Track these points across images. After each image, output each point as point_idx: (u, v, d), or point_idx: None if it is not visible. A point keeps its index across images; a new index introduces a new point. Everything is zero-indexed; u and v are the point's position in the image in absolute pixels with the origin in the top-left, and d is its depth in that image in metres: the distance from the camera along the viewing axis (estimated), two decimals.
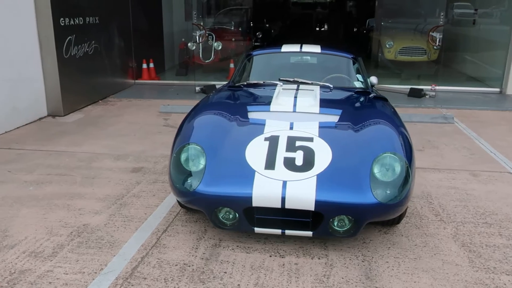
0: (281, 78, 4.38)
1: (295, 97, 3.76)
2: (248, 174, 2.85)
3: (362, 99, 4.01)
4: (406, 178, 2.88)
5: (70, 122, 6.63)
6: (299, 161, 2.92)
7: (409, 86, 8.36)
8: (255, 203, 2.77)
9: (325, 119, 3.43)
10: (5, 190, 4.07)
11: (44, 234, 3.24)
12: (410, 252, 3.10)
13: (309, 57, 4.78)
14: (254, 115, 3.59)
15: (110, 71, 8.38)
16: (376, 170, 2.90)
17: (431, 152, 5.35)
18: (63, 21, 6.78)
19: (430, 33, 8.55)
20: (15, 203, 3.77)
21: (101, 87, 8.03)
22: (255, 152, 3.01)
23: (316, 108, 3.62)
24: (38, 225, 3.39)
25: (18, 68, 6.29)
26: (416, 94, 8.14)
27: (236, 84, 4.52)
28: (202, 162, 3.00)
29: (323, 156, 2.97)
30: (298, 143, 3.08)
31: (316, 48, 4.82)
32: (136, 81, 9.41)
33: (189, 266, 2.86)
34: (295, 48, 4.85)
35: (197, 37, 8.60)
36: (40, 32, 6.60)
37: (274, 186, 2.77)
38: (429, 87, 8.16)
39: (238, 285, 2.67)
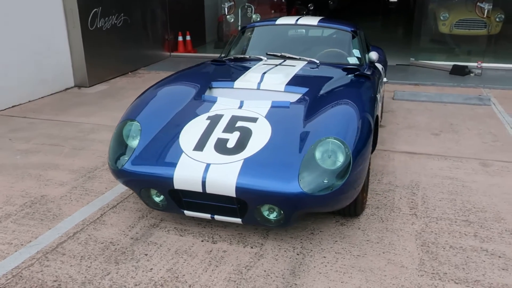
0: (268, 53, 4.15)
1: (264, 73, 3.51)
2: (175, 155, 2.71)
3: (342, 76, 3.65)
4: (346, 169, 2.57)
5: (92, 93, 6.83)
6: (231, 143, 2.72)
7: (453, 63, 7.61)
8: (177, 185, 2.63)
9: (282, 98, 3.17)
10: None
11: (0, 203, 3.35)
12: (357, 248, 2.80)
13: (304, 30, 4.45)
14: (214, 91, 3.42)
15: (141, 44, 8.48)
16: (318, 156, 2.62)
17: (446, 137, 4.84)
18: None
19: (478, 3, 7.64)
20: (16, 169, 3.93)
21: (131, 59, 8.16)
22: (191, 132, 2.85)
23: (282, 86, 3.36)
24: (0, 193, 3.51)
25: (44, 40, 6.54)
26: (459, 71, 7.39)
27: (224, 58, 4.35)
28: (138, 141, 2.89)
29: (260, 138, 2.74)
30: (239, 124, 2.87)
31: (314, 21, 4.47)
32: (172, 53, 9.47)
33: (114, 245, 2.81)
34: (290, 20, 4.54)
35: (225, 8, 8.40)
36: (66, 5, 6.79)
37: (196, 168, 2.61)
38: (475, 64, 7.36)
39: (151, 269, 2.57)
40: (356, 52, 4.25)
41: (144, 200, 2.88)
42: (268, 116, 2.94)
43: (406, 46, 9.76)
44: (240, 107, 3.06)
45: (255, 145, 2.70)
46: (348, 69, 3.87)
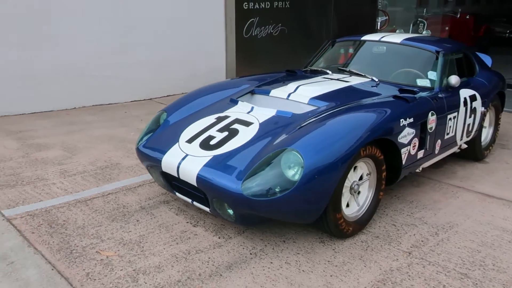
0: (339, 68, 4.27)
1: (300, 85, 3.65)
2: (171, 144, 3.15)
3: (385, 96, 3.50)
4: (292, 182, 2.62)
5: None
6: (214, 141, 3.03)
7: None
8: (163, 168, 3.09)
9: (287, 109, 3.28)
10: (118, 131, 5.43)
11: (87, 163, 4.35)
12: (310, 264, 2.77)
13: (385, 48, 4.30)
14: (254, 97, 3.74)
15: (296, 52, 9.01)
16: (283, 164, 2.73)
17: None
18: (246, 5, 7.83)
19: None
20: (121, 142, 5.02)
21: (282, 66, 8.78)
22: (195, 127, 3.26)
23: (307, 99, 3.46)
24: (94, 155, 4.53)
25: (203, 43, 7.73)
26: None
27: (303, 69, 4.59)
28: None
29: (239, 140, 2.97)
30: (234, 126, 3.15)
31: (398, 38, 4.28)
32: None
33: (124, 208, 3.43)
34: (375, 37, 4.44)
35: (378, 23, 8.26)
36: (227, 14, 7.84)
37: (177, 156, 3.01)
38: None
39: (130, 231, 3.09)
40: (432, 75, 3.93)
41: (154, 178, 3.43)
42: (263, 123, 3.13)
43: None
44: (249, 112, 3.32)
45: (231, 145, 2.95)
46: (405, 91, 3.66)
